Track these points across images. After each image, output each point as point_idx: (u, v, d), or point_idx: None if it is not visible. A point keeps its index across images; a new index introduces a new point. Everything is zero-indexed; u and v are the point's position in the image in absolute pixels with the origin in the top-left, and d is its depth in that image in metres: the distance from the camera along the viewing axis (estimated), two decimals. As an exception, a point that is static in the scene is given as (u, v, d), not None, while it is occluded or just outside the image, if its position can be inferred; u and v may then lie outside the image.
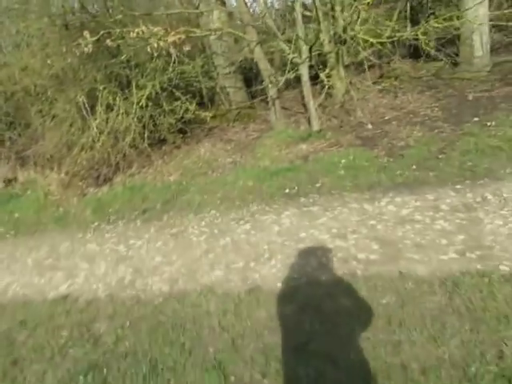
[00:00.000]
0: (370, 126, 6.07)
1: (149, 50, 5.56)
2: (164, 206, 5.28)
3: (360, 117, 6.41)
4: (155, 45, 5.48)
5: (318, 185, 4.65)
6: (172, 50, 5.96)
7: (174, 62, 6.34)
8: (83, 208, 5.94)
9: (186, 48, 5.73)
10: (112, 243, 4.61)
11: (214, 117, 8.52)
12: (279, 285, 3.02)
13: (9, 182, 7.53)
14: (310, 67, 6.64)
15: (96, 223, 5.37)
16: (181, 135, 7.36)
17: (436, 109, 6.07)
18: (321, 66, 7.13)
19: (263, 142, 6.48)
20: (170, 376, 2.39)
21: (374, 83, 7.51)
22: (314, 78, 7.03)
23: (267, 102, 7.33)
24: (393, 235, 3.27)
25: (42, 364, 2.83)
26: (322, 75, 6.52)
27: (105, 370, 2.59)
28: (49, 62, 6.25)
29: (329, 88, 6.73)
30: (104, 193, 6.22)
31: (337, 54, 6.72)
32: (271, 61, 7.93)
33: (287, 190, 4.72)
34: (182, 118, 6.91)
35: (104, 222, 5.35)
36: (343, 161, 5.04)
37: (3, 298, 3.98)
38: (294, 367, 2.21)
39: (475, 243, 2.91)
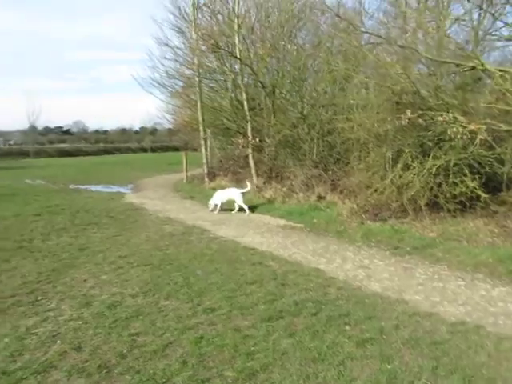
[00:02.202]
0: None
1: (449, 132, 7.06)
2: (411, 250, 6.67)
3: None
4: (454, 129, 6.93)
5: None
6: (483, 135, 7.22)
7: (475, 146, 7.54)
8: (356, 231, 7.98)
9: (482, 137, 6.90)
10: (362, 257, 6.42)
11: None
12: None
13: (319, 198, 10.47)
14: None
15: (359, 243, 7.30)
16: (459, 206, 8.34)
17: None
18: None
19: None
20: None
21: None
22: None
23: None
24: None
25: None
26: None
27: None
28: (376, 125, 8.64)
29: None
30: (375, 226, 8.07)
31: None
32: None
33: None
34: (466, 192, 7.93)
35: (365, 244, 7.21)
36: None
37: (290, 258, 6.41)
38: None
39: None
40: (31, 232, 8.33)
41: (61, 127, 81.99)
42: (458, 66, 7.82)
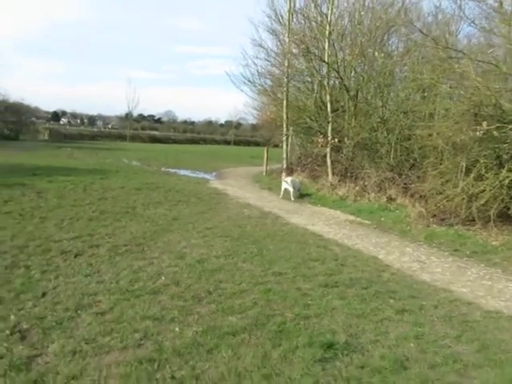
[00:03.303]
0: None
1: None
2: (470, 253, 7.05)
3: None
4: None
5: None
6: None
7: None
8: (421, 232, 8.44)
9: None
10: (420, 253, 6.96)
11: None
12: None
13: (390, 199, 10.93)
14: None
15: (421, 243, 7.78)
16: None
17: None
18: None
19: None
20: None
21: None
22: None
23: None
24: None
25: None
26: None
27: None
28: (452, 134, 8.95)
29: None
30: (440, 230, 8.45)
31: None
32: None
33: None
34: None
35: (426, 244, 7.68)
36: None
37: (352, 247, 7.13)
38: None
39: None
40: (134, 202, 9.90)
41: (153, 116, 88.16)
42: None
